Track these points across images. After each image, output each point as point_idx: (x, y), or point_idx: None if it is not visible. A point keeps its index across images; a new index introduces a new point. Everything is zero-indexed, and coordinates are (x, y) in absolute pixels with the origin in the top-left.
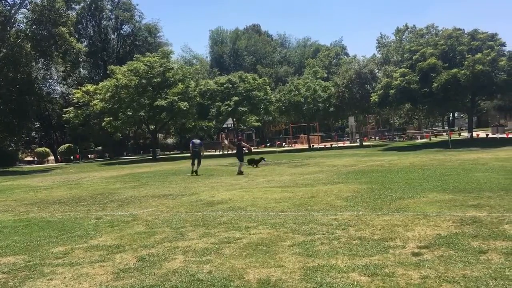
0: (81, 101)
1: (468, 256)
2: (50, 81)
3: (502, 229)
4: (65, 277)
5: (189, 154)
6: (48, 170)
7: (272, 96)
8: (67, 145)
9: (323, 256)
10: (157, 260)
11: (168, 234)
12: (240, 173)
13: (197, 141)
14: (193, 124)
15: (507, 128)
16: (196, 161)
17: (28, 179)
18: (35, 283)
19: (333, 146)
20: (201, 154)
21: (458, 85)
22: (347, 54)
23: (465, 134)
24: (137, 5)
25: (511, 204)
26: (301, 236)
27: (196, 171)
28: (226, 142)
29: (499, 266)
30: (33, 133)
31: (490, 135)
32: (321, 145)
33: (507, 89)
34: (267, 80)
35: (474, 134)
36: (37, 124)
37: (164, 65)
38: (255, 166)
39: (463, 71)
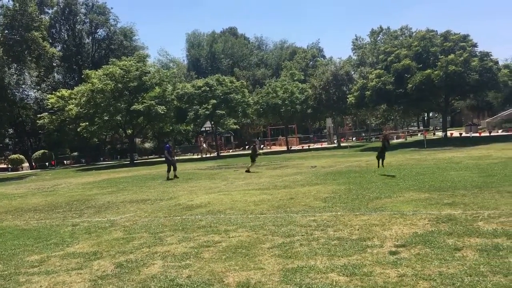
0: (55, 106)
1: (444, 254)
2: (23, 86)
3: (476, 226)
4: (41, 286)
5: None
6: (22, 178)
7: (249, 99)
8: (42, 151)
9: (302, 257)
10: (135, 266)
11: (147, 239)
12: (248, 171)
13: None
14: (171, 128)
15: (480, 127)
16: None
17: (1, 187)
18: None
19: (311, 147)
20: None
21: (432, 85)
22: (323, 56)
23: (439, 134)
24: (111, 8)
25: (485, 201)
26: (280, 238)
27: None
28: (204, 145)
29: (473, 262)
30: (7, 140)
31: (464, 134)
32: (299, 147)
33: (479, 89)
34: (245, 83)
35: (448, 133)
36: (11, 131)
37: (140, 69)
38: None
39: (436, 72)
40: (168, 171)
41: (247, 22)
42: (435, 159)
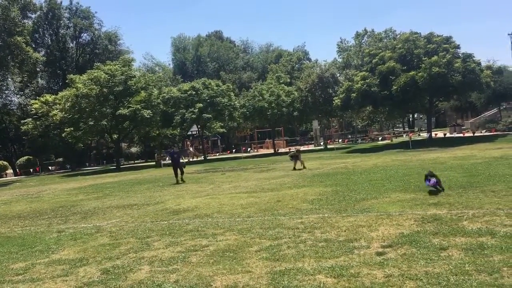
0: (39, 112)
1: (429, 253)
2: (6, 92)
3: (461, 225)
4: None
5: (155, 163)
6: (6, 184)
7: (236, 102)
8: (26, 157)
9: (290, 260)
10: (122, 272)
11: (133, 244)
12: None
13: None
14: (157, 132)
15: (464, 127)
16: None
17: None
18: None
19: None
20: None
21: (416, 87)
22: (309, 59)
23: (424, 135)
24: (95, 12)
25: (469, 201)
26: (268, 241)
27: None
28: (191, 149)
29: (459, 262)
30: None
31: (448, 135)
32: (286, 150)
33: (462, 90)
34: (231, 86)
35: (433, 134)
36: None
37: (125, 73)
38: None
39: (420, 74)
40: (176, 175)
41: (233, 25)
42: (420, 160)
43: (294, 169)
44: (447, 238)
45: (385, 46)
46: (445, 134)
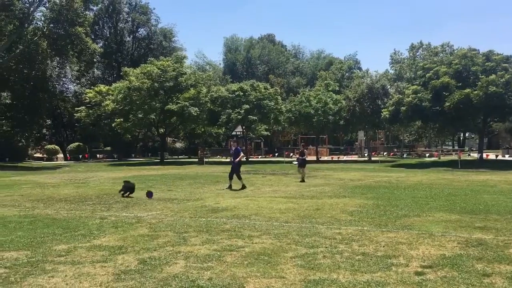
0: (93, 101)
1: (471, 278)
2: (64, 79)
3: (507, 253)
4: (66, 275)
5: (198, 160)
6: (56, 168)
7: (282, 106)
8: (76, 143)
9: (324, 270)
10: (158, 264)
11: (171, 238)
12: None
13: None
14: (202, 130)
15: None
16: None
17: (36, 175)
18: (36, 280)
19: (340, 159)
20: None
21: (471, 105)
22: (360, 69)
23: (474, 155)
24: (153, 8)
25: None
26: (304, 248)
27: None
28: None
29: None
30: (44, 130)
31: (500, 157)
32: (329, 158)
33: None
34: (279, 90)
35: (484, 155)
36: (49, 122)
37: (177, 70)
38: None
39: (476, 92)
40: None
41: (285, 30)
42: (469, 181)
43: (303, 180)
44: (491, 264)
45: (441, 61)
46: (497, 156)
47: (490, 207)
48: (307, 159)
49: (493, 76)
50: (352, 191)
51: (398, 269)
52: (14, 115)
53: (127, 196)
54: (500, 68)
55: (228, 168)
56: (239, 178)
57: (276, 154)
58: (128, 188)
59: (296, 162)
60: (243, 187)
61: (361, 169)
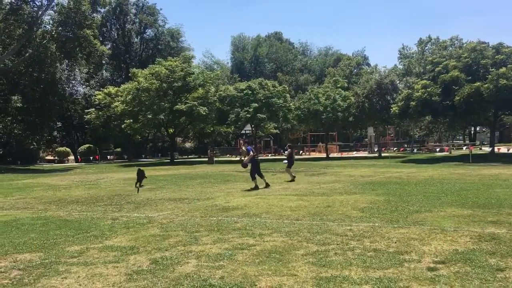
0: (102, 102)
1: (485, 273)
2: (73, 82)
3: None
4: (79, 276)
5: (207, 159)
6: (67, 170)
7: (291, 104)
8: (87, 145)
9: (336, 267)
10: (170, 264)
11: (182, 237)
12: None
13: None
14: (211, 129)
15: None
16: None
17: (48, 177)
18: (50, 281)
19: (350, 156)
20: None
21: (481, 99)
22: (368, 64)
23: (486, 149)
24: (161, 9)
25: None
26: (315, 246)
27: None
28: (244, 148)
29: None
30: (55, 133)
31: None
32: (339, 155)
33: None
34: (287, 88)
35: (496, 149)
36: (59, 124)
37: (185, 70)
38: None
39: (486, 85)
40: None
41: (292, 27)
42: (480, 175)
43: (293, 180)
44: (505, 259)
45: (450, 55)
46: (508, 149)
47: (502, 201)
48: (294, 158)
49: (503, 69)
50: (362, 188)
51: (411, 265)
52: (25, 118)
53: (141, 186)
54: (511, 61)
55: (237, 167)
56: (253, 178)
57: (281, 151)
58: (141, 177)
59: (286, 161)
60: (256, 187)
61: (371, 165)
